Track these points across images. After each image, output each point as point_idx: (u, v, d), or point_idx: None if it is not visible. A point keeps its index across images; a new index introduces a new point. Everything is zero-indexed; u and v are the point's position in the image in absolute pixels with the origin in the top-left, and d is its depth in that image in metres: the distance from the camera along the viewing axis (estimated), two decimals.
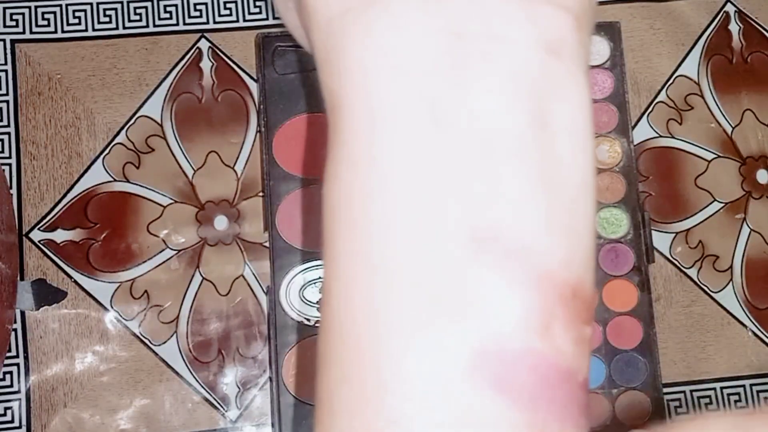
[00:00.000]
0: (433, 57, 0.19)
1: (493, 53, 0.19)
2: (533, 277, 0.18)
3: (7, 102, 0.56)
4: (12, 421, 0.53)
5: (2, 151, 0.56)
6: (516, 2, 0.20)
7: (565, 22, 0.20)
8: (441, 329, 0.18)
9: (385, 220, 0.19)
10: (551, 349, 0.18)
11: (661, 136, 0.60)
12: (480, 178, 0.19)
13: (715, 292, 0.58)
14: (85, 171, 0.56)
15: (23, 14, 0.57)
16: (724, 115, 0.60)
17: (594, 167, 0.20)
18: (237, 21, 0.59)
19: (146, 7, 0.58)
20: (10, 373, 0.53)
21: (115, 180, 0.56)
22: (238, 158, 0.57)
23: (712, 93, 0.61)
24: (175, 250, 0.55)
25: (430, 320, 0.18)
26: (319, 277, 0.54)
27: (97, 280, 0.55)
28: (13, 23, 0.57)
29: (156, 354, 0.54)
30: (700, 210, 0.59)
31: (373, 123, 0.19)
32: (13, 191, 0.55)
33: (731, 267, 0.59)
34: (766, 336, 0.58)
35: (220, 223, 0.56)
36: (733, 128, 0.60)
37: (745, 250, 0.59)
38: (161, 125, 0.57)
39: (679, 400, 0.57)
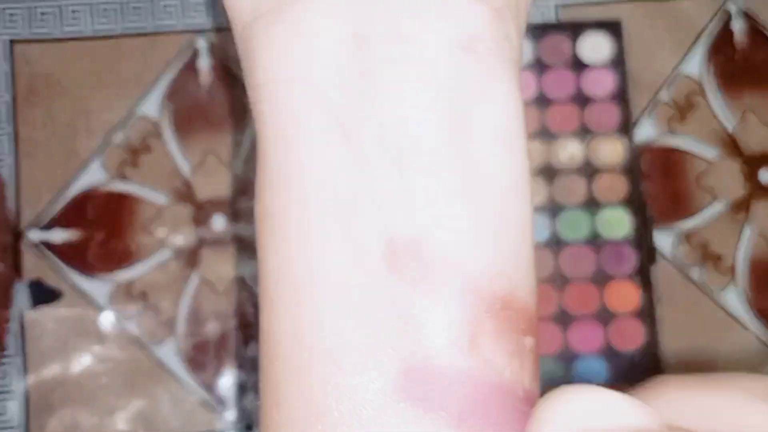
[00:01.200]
0: (340, 65, 0.18)
1: (402, 56, 0.18)
2: (456, 290, 0.18)
3: (5, 101, 0.56)
4: (9, 422, 0.53)
5: None
6: (427, 1, 0.19)
7: (481, 15, 0.19)
8: (367, 348, 0.18)
9: (303, 240, 0.18)
10: (480, 364, 0.18)
11: (662, 136, 0.59)
12: (394, 191, 0.18)
13: (718, 293, 0.58)
14: (83, 170, 0.56)
15: (21, 14, 0.57)
16: (726, 115, 0.60)
17: (525, 168, 0.19)
18: None
19: (145, 7, 0.58)
20: (7, 373, 0.53)
21: (112, 179, 0.56)
22: (236, 158, 0.57)
23: (714, 92, 0.60)
24: (172, 250, 0.55)
25: (354, 339, 0.18)
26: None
27: (94, 280, 0.54)
28: (11, 23, 0.57)
29: (153, 355, 0.54)
30: (702, 210, 0.59)
31: (284, 140, 0.19)
32: (10, 190, 0.55)
33: (733, 267, 0.58)
34: None
35: (218, 223, 0.56)
36: (736, 127, 0.60)
37: (747, 251, 0.59)
38: (159, 125, 0.57)
39: None
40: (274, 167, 0.19)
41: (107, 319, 0.54)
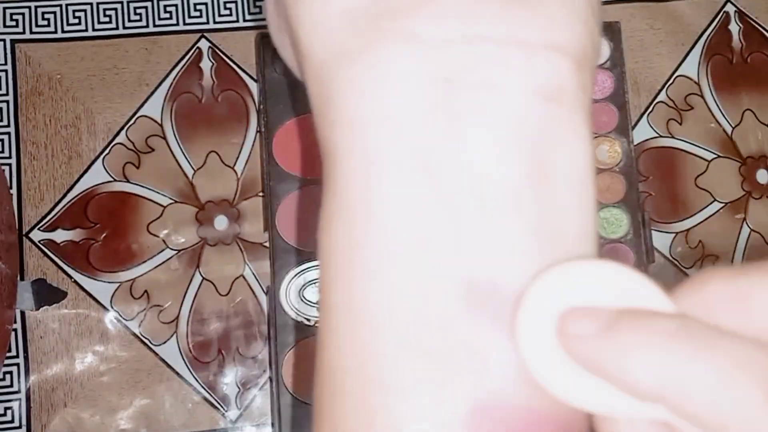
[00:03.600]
0: (426, 107, 0.19)
1: (487, 102, 0.19)
2: None
3: (7, 102, 0.56)
4: (12, 421, 0.53)
5: (2, 151, 0.56)
6: (512, 47, 0.19)
7: (565, 66, 0.19)
8: (436, 387, 0.18)
9: (379, 274, 0.19)
10: (551, 405, 0.18)
11: (661, 136, 0.60)
12: (475, 231, 0.18)
13: None
14: (85, 171, 0.56)
15: (23, 14, 0.57)
16: (724, 115, 0.60)
17: (596, 217, 0.20)
18: (237, 21, 0.59)
19: (146, 7, 0.58)
20: (10, 373, 0.53)
21: (115, 180, 0.56)
22: (238, 158, 0.57)
23: (712, 93, 0.61)
24: (175, 250, 0.55)
25: (424, 377, 0.18)
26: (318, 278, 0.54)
27: (97, 280, 0.55)
28: (13, 23, 0.57)
29: (156, 354, 0.54)
30: (700, 210, 0.59)
31: (366, 176, 0.19)
32: (13, 191, 0.55)
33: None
34: None
35: (220, 223, 0.56)
36: (733, 128, 0.60)
37: (745, 251, 0.59)
38: (161, 125, 0.57)
39: None
40: (349, 201, 0.19)
41: (110, 319, 0.54)
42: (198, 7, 0.59)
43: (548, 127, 0.19)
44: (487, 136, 0.19)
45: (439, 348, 0.18)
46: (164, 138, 0.57)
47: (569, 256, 0.19)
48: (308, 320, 0.53)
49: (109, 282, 0.55)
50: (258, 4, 0.59)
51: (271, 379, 0.53)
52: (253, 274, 0.56)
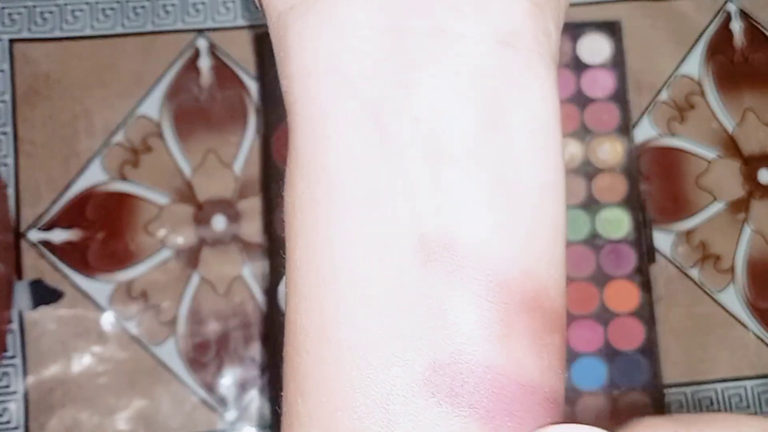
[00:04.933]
0: (376, 57, 0.18)
1: (439, 50, 0.18)
2: (488, 287, 0.18)
3: (5, 101, 0.56)
4: (9, 422, 0.52)
5: (0, 151, 0.55)
6: None
7: (521, 9, 0.19)
8: (393, 345, 0.17)
9: (335, 230, 0.18)
10: (510, 362, 0.18)
11: (662, 136, 0.60)
12: (428, 185, 0.18)
13: (717, 293, 0.58)
14: (83, 170, 0.56)
15: (21, 13, 0.57)
16: (725, 115, 0.60)
17: (560, 167, 0.19)
18: (235, 20, 0.58)
19: (145, 7, 0.58)
20: (8, 373, 0.53)
21: (112, 180, 0.56)
22: (236, 158, 0.57)
23: (713, 92, 0.60)
24: (173, 250, 0.55)
25: (382, 335, 0.18)
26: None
27: (95, 280, 0.54)
28: (11, 22, 0.57)
29: (154, 355, 0.54)
30: (702, 210, 0.59)
31: (315, 130, 0.19)
32: (11, 191, 0.55)
33: (733, 267, 0.58)
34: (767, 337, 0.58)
35: (219, 223, 0.56)
36: (735, 127, 0.60)
37: (746, 250, 0.59)
38: (159, 124, 0.57)
39: (680, 401, 0.56)
40: (305, 157, 0.19)
41: (108, 320, 0.54)
42: (197, 6, 0.58)
43: (504, 74, 0.18)
44: (439, 85, 0.18)
45: (396, 305, 0.18)
46: (162, 137, 0.56)
47: (530, 210, 0.18)
48: None
49: (106, 282, 0.54)
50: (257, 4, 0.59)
51: (269, 380, 0.53)
52: (252, 274, 0.55)
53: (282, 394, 0.20)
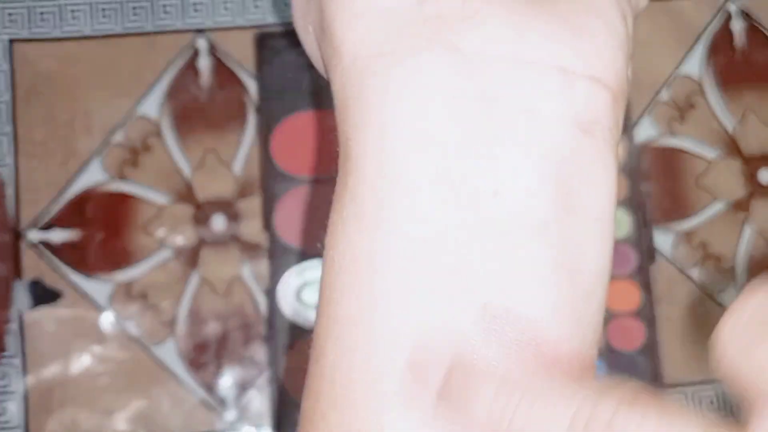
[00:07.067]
0: (460, 124, 0.18)
1: (524, 127, 0.18)
2: (541, 366, 0.18)
3: (5, 101, 0.56)
4: (9, 422, 0.52)
5: None
6: (554, 73, 0.18)
7: (603, 99, 0.19)
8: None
9: (392, 291, 0.18)
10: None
11: (662, 136, 0.59)
12: (496, 257, 0.18)
13: (717, 293, 0.58)
14: (82, 170, 0.56)
15: (21, 13, 0.57)
16: (725, 115, 0.60)
17: (612, 254, 0.19)
18: (235, 20, 0.58)
19: (145, 7, 0.58)
20: (7, 373, 0.53)
21: (112, 179, 0.56)
22: (236, 157, 0.57)
23: (713, 92, 0.60)
24: (172, 250, 0.55)
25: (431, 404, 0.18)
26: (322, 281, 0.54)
27: (94, 280, 0.54)
28: (12, 22, 0.57)
29: (153, 355, 0.54)
30: (702, 210, 0.59)
31: (389, 187, 0.18)
32: (10, 190, 0.55)
33: (733, 267, 0.58)
34: None
35: (218, 222, 0.56)
36: (735, 127, 0.60)
37: (747, 251, 0.59)
38: (159, 124, 0.57)
39: (681, 401, 0.56)
40: (369, 214, 0.19)
41: (107, 320, 0.54)
42: (197, 6, 0.58)
43: (580, 160, 0.19)
44: (521, 161, 0.18)
45: (448, 371, 0.18)
46: (162, 137, 0.56)
47: (585, 294, 0.18)
48: (307, 321, 0.53)
49: (106, 282, 0.54)
50: (257, 3, 0.59)
51: (269, 380, 0.53)
52: (252, 274, 0.55)
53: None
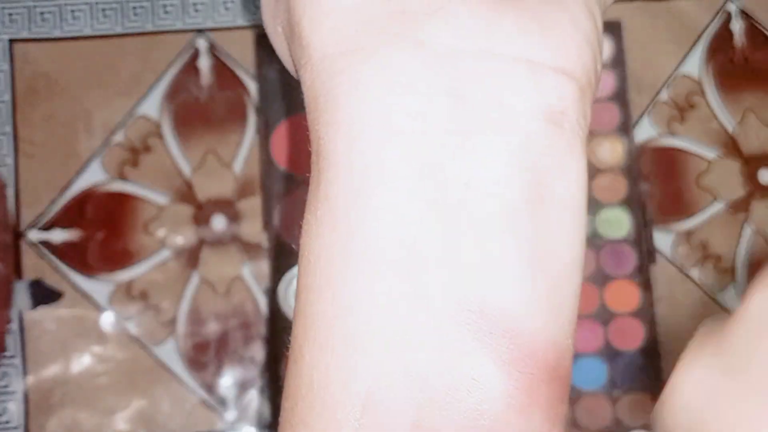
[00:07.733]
0: (431, 119, 0.18)
1: (495, 120, 0.18)
2: (518, 357, 0.18)
3: (5, 101, 0.56)
4: (9, 422, 0.52)
5: None
6: (522, 66, 0.19)
7: (570, 91, 0.19)
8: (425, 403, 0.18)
9: (366, 288, 0.18)
10: (528, 431, 0.18)
11: (662, 136, 0.59)
12: (470, 251, 0.18)
13: (717, 293, 0.58)
14: (83, 170, 0.56)
15: (21, 13, 0.57)
16: (725, 115, 0.60)
17: (584, 242, 0.20)
18: (235, 20, 0.58)
19: (145, 7, 0.58)
20: (7, 373, 0.53)
21: (112, 179, 0.56)
22: (236, 158, 0.57)
23: (713, 92, 0.60)
24: (172, 250, 0.55)
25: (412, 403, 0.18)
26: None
27: (95, 280, 0.54)
28: (12, 22, 0.57)
29: (154, 355, 0.54)
30: (702, 210, 0.59)
31: (361, 185, 0.18)
32: (10, 191, 0.55)
33: (733, 267, 0.58)
34: None
35: (219, 223, 0.56)
36: (735, 127, 0.60)
37: (747, 251, 0.59)
38: (159, 124, 0.57)
39: None
40: (340, 210, 0.19)
41: (107, 320, 0.54)
42: (197, 6, 0.58)
43: (549, 151, 0.19)
44: (491, 154, 0.18)
45: (427, 367, 0.18)
46: (162, 137, 0.56)
47: (558, 283, 0.19)
48: None
49: (106, 282, 0.54)
50: (257, 3, 0.59)
51: (269, 380, 0.53)
52: (252, 274, 0.55)
53: None
